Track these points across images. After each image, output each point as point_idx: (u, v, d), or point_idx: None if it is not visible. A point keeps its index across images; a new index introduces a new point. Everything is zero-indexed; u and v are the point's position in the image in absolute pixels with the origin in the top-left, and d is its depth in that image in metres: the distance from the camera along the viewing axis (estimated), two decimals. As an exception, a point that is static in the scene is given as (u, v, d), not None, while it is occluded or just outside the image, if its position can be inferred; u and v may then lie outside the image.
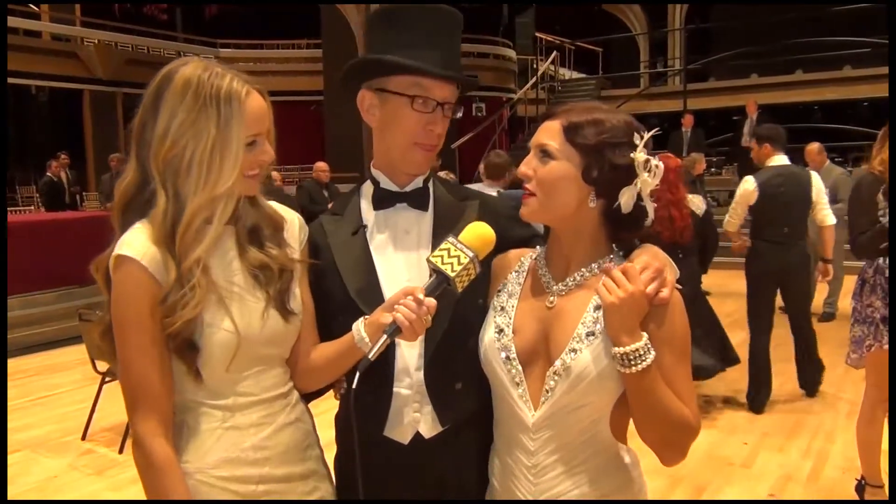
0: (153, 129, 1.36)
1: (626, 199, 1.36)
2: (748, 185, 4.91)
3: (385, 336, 1.31)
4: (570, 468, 1.38)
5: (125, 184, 1.40)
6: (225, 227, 1.42)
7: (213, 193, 1.35)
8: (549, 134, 1.39)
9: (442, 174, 6.23)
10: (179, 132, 1.34)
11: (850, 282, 7.88)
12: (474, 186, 5.35)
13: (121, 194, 1.40)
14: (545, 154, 1.38)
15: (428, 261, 1.34)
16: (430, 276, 1.35)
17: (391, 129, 1.51)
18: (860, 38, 14.37)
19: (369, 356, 1.31)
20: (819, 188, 4.97)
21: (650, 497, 1.51)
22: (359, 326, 1.39)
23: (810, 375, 5.26)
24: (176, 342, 1.33)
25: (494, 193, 5.19)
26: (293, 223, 1.53)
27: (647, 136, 1.37)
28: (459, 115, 1.54)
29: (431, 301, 1.31)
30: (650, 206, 1.40)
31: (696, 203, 4.78)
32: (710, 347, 4.87)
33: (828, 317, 7.33)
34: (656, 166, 1.37)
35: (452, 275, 1.31)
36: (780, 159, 4.96)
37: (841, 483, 3.86)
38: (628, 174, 1.36)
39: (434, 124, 1.48)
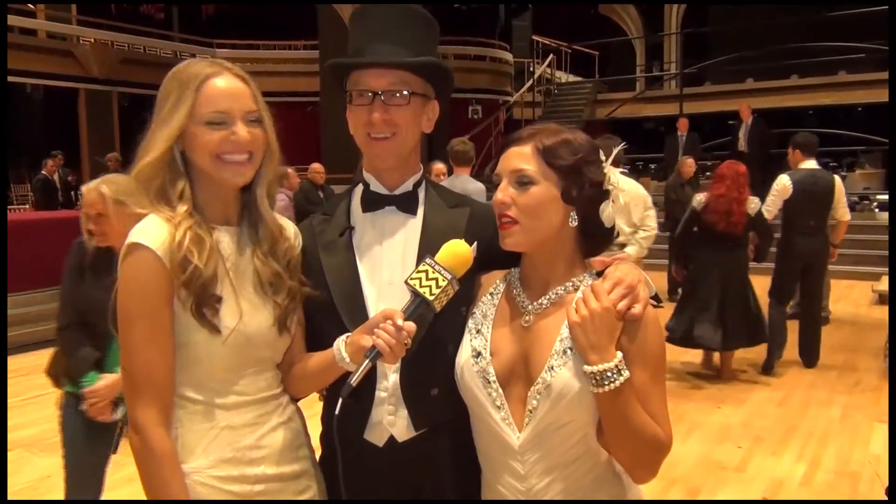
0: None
1: (607, 214, 1.40)
2: (785, 182, 5.76)
3: (366, 361, 1.32)
4: (565, 488, 1.37)
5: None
6: (235, 228, 1.45)
7: (150, 158, 1.39)
8: (524, 159, 1.38)
9: (440, 166, 6.28)
10: (156, 110, 1.41)
11: (837, 286, 7.98)
12: (445, 182, 5.44)
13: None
14: (523, 179, 1.37)
15: (406, 283, 1.35)
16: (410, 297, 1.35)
17: (352, 130, 1.54)
18: (855, 43, 14.43)
19: (352, 382, 1.32)
20: (841, 189, 5.91)
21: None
22: (339, 345, 1.40)
23: (811, 347, 5.97)
24: (194, 293, 1.33)
25: (468, 182, 5.34)
26: (289, 233, 1.55)
27: (616, 150, 1.42)
28: (401, 99, 1.48)
29: (411, 325, 1.32)
30: (617, 221, 1.44)
31: (751, 203, 5.46)
32: (744, 327, 5.57)
33: (822, 321, 7.34)
34: (617, 181, 1.43)
35: (431, 298, 1.32)
36: (811, 163, 5.88)
37: (834, 487, 3.87)
38: (602, 190, 1.39)
39: (372, 114, 1.47)
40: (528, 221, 1.37)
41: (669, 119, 14.20)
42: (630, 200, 4.76)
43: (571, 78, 19.23)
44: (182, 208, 1.38)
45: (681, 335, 5.63)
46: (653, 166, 14.61)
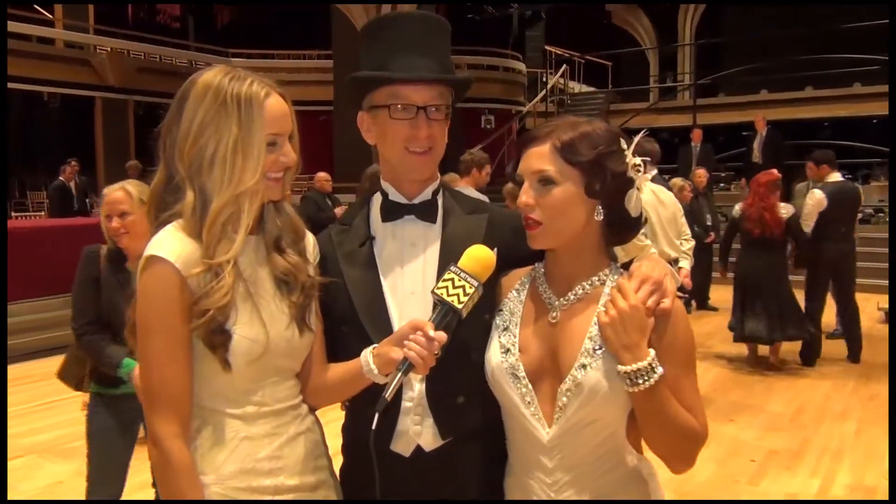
0: (177, 130, 1.39)
1: (634, 203, 1.37)
2: (819, 196, 6.31)
3: (399, 374, 1.32)
4: (588, 483, 1.37)
5: (154, 183, 1.44)
6: (253, 236, 1.44)
7: (237, 191, 1.36)
8: (543, 159, 1.37)
9: (448, 177, 6.41)
10: (200, 130, 1.37)
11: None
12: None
13: (151, 193, 1.45)
14: (544, 180, 1.36)
15: (433, 293, 1.35)
16: (435, 307, 1.35)
17: (384, 143, 1.52)
18: (870, 55, 14.36)
19: (386, 396, 1.31)
20: (861, 198, 6.75)
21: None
22: (367, 357, 1.39)
23: (855, 343, 6.48)
24: (206, 329, 1.33)
25: (469, 192, 5.46)
26: (308, 241, 1.54)
27: (636, 138, 1.38)
28: (439, 113, 1.49)
29: (442, 335, 1.31)
30: (643, 205, 1.41)
31: (784, 209, 6.07)
32: (790, 320, 6.12)
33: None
34: (641, 164, 1.38)
35: (460, 306, 1.32)
36: (836, 176, 6.57)
37: (848, 502, 3.83)
38: (626, 179, 1.37)
39: (417, 128, 1.47)
40: (553, 222, 1.37)
41: (683, 130, 14.18)
42: (673, 212, 4.78)
43: (584, 88, 19.22)
44: (235, 248, 1.36)
45: (738, 333, 6.33)
46: (666, 177, 14.58)
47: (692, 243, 4.93)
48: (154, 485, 2.96)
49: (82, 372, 2.92)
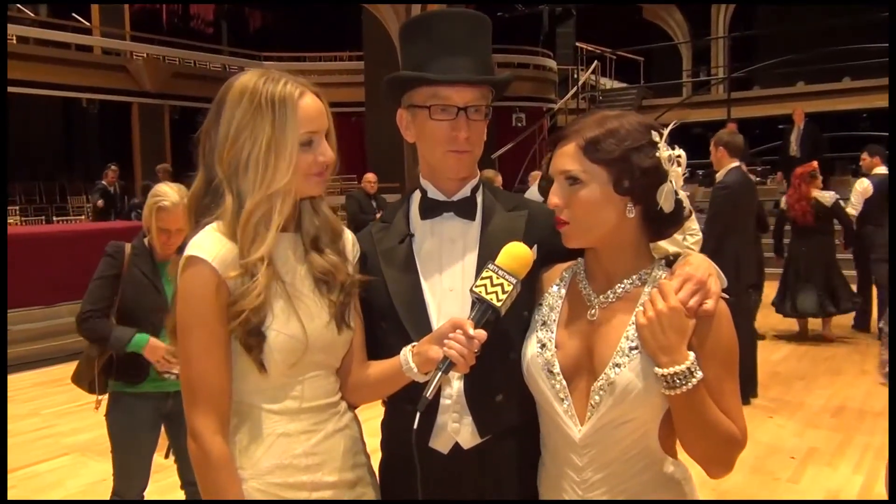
0: (216, 134, 1.42)
1: (665, 198, 1.34)
2: (866, 184, 7.11)
3: (440, 372, 1.32)
4: (618, 483, 1.36)
5: (194, 187, 1.46)
6: (291, 234, 1.46)
7: (269, 191, 1.38)
8: (568, 159, 1.35)
9: (490, 173, 6.73)
10: (237, 133, 1.39)
11: None
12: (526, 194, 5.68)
13: (191, 197, 1.47)
14: (572, 180, 1.35)
15: (471, 291, 1.34)
16: (474, 305, 1.35)
17: (423, 142, 1.53)
18: (911, 44, 14.03)
19: (427, 395, 1.31)
20: None
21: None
22: (407, 355, 1.40)
23: (864, 313, 7.31)
24: (243, 330, 1.35)
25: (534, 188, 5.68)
26: (347, 239, 1.55)
27: (665, 131, 1.35)
28: (479, 114, 1.49)
29: (482, 333, 1.31)
30: (685, 197, 1.38)
31: (826, 197, 6.77)
32: (839, 296, 6.89)
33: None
34: (678, 156, 1.34)
35: (498, 304, 1.32)
36: (882, 169, 7.30)
37: (892, 500, 3.75)
38: (658, 174, 1.33)
39: (458, 130, 1.46)
40: (581, 222, 1.35)
41: (717, 124, 13.97)
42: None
43: (616, 84, 19.07)
44: (266, 245, 1.38)
45: (785, 309, 7.09)
46: (700, 172, 14.40)
47: (699, 237, 4.74)
48: (182, 487, 3.06)
49: (92, 374, 2.92)
